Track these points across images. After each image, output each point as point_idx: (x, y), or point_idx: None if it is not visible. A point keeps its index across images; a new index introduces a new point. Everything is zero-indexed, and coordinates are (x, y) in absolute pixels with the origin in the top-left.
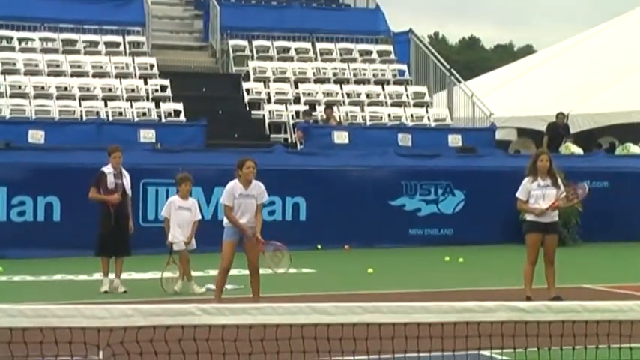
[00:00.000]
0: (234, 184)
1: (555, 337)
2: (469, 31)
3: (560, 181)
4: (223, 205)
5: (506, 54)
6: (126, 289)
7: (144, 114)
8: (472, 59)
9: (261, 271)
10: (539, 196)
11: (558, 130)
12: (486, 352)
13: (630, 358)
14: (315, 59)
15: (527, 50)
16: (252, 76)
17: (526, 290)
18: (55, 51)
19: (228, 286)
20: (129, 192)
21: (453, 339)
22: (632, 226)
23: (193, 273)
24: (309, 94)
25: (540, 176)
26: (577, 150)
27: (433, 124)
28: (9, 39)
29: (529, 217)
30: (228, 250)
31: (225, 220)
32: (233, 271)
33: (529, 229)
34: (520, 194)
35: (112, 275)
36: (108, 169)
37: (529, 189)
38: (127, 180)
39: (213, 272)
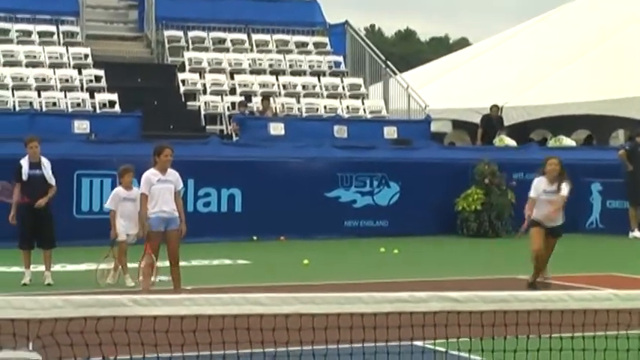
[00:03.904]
0: (150, 172)
1: (487, 327)
2: (405, 24)
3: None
4: (140, 194)
5: (441, 46)
6: (51, 281)
7: (78, 104)
8: (408, 52)
9: (195, 262)
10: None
11: (492, 122)
12: (419, 343)
13: (560, 347)
14: (251, 50)
15: (463, 43)
16: (187, 67)
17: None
18: None
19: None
20: (50, 181)
21: (386, 329)
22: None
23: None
24: (244, 86)
25: (549, 180)
26: (511, 142)
27: (369, 116)
28: None
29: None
30: (157, 240)
31: (150, 210)
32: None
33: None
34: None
35: (41, 267)
36: (24, 161)
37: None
38: (46, 170)
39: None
